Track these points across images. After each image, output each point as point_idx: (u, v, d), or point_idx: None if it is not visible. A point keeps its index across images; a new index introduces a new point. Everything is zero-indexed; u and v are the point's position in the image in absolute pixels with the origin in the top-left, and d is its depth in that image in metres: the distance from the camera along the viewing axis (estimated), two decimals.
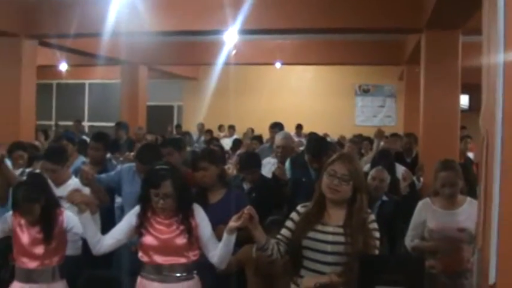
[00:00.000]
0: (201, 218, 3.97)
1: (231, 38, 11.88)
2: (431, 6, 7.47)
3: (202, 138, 15.73)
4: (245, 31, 10.04)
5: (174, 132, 17.45)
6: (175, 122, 20.99)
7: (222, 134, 17.86)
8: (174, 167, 4.13)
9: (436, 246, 4.91)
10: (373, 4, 8.88)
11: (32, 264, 4.23)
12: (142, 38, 13.53)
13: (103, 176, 5.90)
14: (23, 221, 4.27)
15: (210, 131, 16.58)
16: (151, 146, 6.56)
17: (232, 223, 3.64)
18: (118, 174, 5.78)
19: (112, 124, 16.17)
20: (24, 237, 4.25)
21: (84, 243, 4.80)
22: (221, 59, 15.04)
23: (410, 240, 5.10)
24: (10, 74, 10.54)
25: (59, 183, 5.20)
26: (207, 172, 4.93)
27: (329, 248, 3.51)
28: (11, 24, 10.10)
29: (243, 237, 4.04)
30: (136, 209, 3.99)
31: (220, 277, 4.42)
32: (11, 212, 4.35)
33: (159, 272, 3.90)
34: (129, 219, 4.00)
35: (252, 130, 16.39)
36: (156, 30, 10.41)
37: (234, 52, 14.32)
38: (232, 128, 17.86)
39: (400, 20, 8.89)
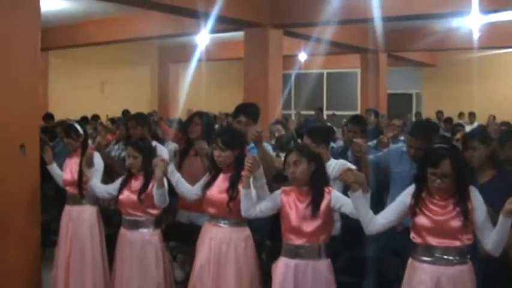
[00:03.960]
0: (478, 201, 3.80)
1: (473, 21, 11.44)
2: None
3: (442, 125, 15.33)
4: (488, 11, 9.55)
5: (414, 119, 17.17)
6: (414, 110, 20.67)
7: (462, 122, 17.29)
8: (454, 146, 4.01)
9: None
10: None
11: (299, 241, 4.24)
12: (382, 25, 13.42)
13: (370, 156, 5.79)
14: (291, 198, 4.32)
15: (449, 119, 16.10)
16: (424, 122, 6.30)
17: (509, 205, 3.49)
18: (385, 154, 5.68)
19: (350, 113, 16.31)
20: (293, 214, 4.27)
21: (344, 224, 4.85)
22: (463, 44, 14.51)
23: None
24: (258, 64, 10.95)
25: None
26: (475, 152, 4.70)
27: None
28: (258, 14, 10.50)
29: None
30: (411, 188, 3.93)
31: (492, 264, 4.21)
32: (280, 190, 4.42)
33: (431, 253, 3.80)
34: (403, 199, 3.94)
35: (494, 117, 15.67)
36: (395, 15, 10.28)
37: (478, 36, 13.72)
38: (472, 115, 17.31)
39: None
